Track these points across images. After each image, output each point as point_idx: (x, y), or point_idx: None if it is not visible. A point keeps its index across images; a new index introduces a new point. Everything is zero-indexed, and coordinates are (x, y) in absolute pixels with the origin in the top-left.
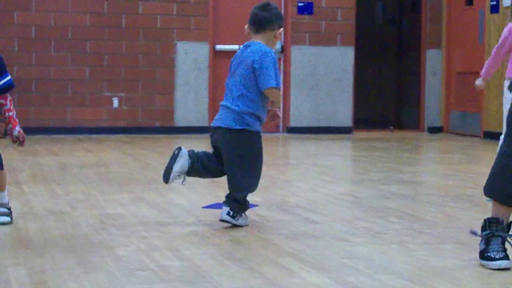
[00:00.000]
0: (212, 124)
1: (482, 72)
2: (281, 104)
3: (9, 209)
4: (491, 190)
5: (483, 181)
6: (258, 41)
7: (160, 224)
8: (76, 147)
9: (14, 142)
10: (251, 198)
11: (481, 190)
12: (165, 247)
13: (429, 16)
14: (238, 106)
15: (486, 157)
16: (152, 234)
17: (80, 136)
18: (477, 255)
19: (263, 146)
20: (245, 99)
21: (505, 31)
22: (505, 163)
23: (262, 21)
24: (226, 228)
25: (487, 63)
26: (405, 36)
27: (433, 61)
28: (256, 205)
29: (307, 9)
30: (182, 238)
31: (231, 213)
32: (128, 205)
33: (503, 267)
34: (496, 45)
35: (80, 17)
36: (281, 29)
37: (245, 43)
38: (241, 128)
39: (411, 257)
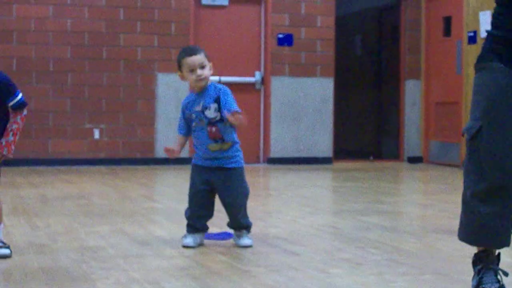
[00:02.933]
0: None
1: None
2: (261, 135)
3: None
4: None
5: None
6: None
7: (140, 256)
8: (57, 179)
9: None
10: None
11: None
12: (145, 280)
13: (408, 47)
14: None
15: None
16: (132, 266)
17: (61, 168)
18: (456, 286)
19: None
20: None
21: None
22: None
23: None
24: (206, 260)
25: None
26: (384, 67)
27: (412, 92)
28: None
29: (287, 41)
30: (162, 270)
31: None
32: (109, 237)
33: None
34: None
35: (61, 49)
36: (178, 73)
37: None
38: None
39: None
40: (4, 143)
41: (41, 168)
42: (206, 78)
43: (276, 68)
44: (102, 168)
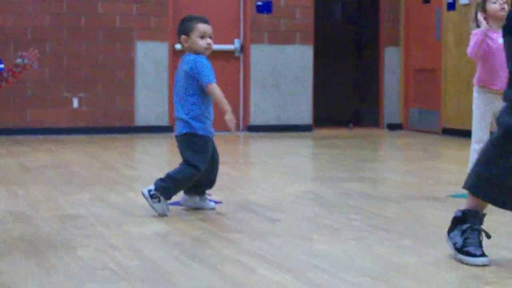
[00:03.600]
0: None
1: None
2: (240, 103)
3: None
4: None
5: (442, 177)
6: (186, 51)
7: (120, 224)
8: (36, 148)
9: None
10: (213, 196)
11: (441, 186)
12: (126, 247)
13: (387, 14)
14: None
15: (445, 154)
16: (113, 234)
17: (41, 137)
18: (436, 251)
19: (223, 145)
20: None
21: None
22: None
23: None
24: (187, 227)
25: (473, 41)
26: (364, 34)
27: (392, 59)
28: (220, 202)
29: (265, 8)
30: (143, 237)
31: (153, 193)
32: (89, 205)
33: (486, 263)
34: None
35: (39, 18)
36: (182, 37)
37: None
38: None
39: (372, 254)
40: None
41: (19, 137)
42: (212, 49)
43: (255, 36)
44: (82, 137)
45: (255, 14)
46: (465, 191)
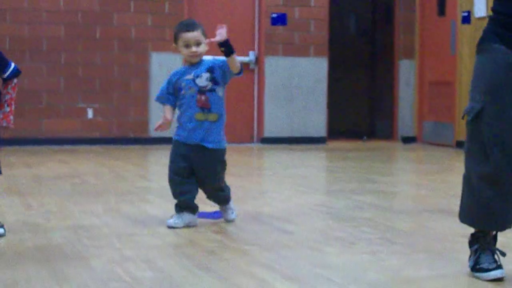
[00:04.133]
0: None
1: None
2: (254, 114)
3: None
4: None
5: (455, 190)
6: None
7: (134, 235)
8: (50, 158)
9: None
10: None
11: (454, 200)
12: (139, 258)
13: (402, 26)
14: None
15: (459, 167)
16: (126, 245)
17: (55, 147)
18: (449, 264)
19: (237, 156)
20: None
21: None
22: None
23: None
24: (200, 239)
25: None
26: (378, 46)
27: (406, 72)
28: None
29: (280, 20)
30: (156, 249)
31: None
32: (102, 216)
33: (499, 276)
34: None
35: (54, 28)
36: (173, 45)
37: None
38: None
39: (384, 266)
40: (1, 115)
41: (34, 147)
42: (200, 55)
43: (270, 48)
44: (96, 147)
45: (270, 26)
46: None
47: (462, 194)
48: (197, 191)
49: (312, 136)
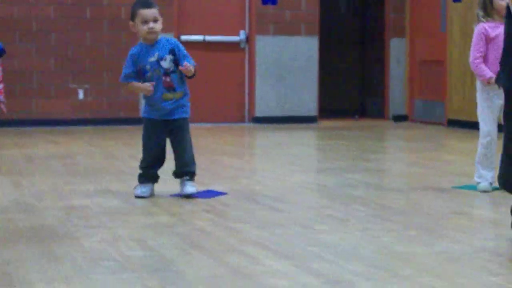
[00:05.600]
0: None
1: (485, 76)
2: (245, 94)
3: None
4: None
5: (446, 168)
6: None
7: (125, 214)
8: (41, 139)
9: None
10: (218, 187)
11: (445, 177)
12: (130, 237)
13: (392, 5)
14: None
15: (450, 145)
16: (117, 224)
17: (46, 128)
18: (441, 241)
19: (228, 136)
20: None
21: (475, 36)
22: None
23: None
24: (191, 217)
25: (480, 72)
26: (369, 25)
27: (397, 50)
28: (225, 193)
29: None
30: (147, 228)
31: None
32: (94, 196)
33: None
34: (471, 58)
35: (44, 9)
36: (130, 23)
37: None
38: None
39: (376, 243)
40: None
41: (25, 128)
42: (157, 32)
43: (260, 27)
44: (87, 128)
45: (260, 5)
46: (468, 183)
47: (501, 160)
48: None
49: (304, 115)
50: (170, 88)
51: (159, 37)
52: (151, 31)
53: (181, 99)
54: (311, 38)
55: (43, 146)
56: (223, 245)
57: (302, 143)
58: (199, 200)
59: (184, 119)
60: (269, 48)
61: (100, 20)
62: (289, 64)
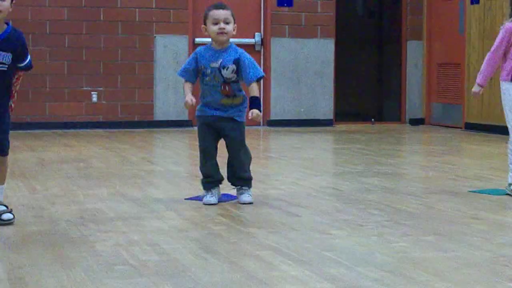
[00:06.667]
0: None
1: (480, 80)
2: (260, 97)
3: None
4: None
5: (464, 172)
6: None
7: (139, 218)
8: (55, 142)
9: None
10: (233, 191)
11: (462, 182)
12: (144, 242)
13: (410, 7)
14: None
15: (468, 149)
16: (131, 228)
17: (59, 131)
18: (457, 246)
19: (246, 140)
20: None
21: (502, 32)
22: None
23: None
24: (206, 222)
25: (484, 70)
26: (386, 27)
27: (414, 53)
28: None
29: (286, 1)
30: (161, 232)
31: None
32: (107, 200)
33: None
34: (492, 49)
35: (57, 11)
36: (202, 27)
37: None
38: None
39: (392, 248)
40: (12, 105)
41: (38, 131)
42: (228, 34)
43: (276, 29)
44: (101, 131)
45: (276, 7)
46: (485, 187)
47: None
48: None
49: (320, 119)
50: (230, 95)
51: (229, 43)
52: (220, 31)
53: (241, 105)
54: (327, 40)
55: (57, 149)
56: (238, 250)
57: (318, 147)
58: (214, 204)
59: (242, 123)
60: (285, 51)
61: (114, 23)
62: (304, 67)
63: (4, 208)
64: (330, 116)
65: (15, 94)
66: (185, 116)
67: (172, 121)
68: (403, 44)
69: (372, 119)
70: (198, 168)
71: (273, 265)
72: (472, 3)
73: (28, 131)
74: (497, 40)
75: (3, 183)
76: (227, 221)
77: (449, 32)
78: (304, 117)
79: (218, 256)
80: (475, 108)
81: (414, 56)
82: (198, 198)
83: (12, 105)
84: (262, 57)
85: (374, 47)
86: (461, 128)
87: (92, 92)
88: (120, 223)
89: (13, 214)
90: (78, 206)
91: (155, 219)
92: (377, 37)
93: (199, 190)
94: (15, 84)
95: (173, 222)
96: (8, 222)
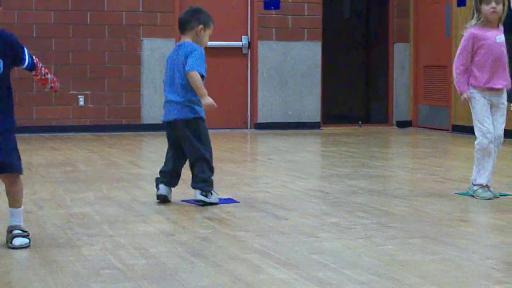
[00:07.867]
0: (166, 119)
1: (458, 89)
2: (248, 100)
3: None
4: None
5: (451, 174)
6: (187, 39)
7: (126, 222)
8: (42, 146)
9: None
10: (220, 194)
11: (449, 184)
12: (131, 245)
13: (397, 10)
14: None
15: (455, 151)
16: (118, 232)
17: (46, 135)
18: (445, 249)
19: (230, 142)
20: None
21: (465, 39)
22: None
23: (182, 23)
24: (192, 225)
25: (455, 80)
26: (373, 30)
27: (401, 55)
28: (237, 201)
29: (273, 4)
30: (148, 236)
31: (203, 193)
32: (94, 203)
33: None
34: (456, 57)
35: (44, 15)
36: (200, 26)
37: (177, 43)
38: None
39: (379, 251)
40: (51, 84)
41: (25, 135)
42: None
43: (263, 32)
44: (88, 134)
45: (263, 10)
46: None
47: None
48: None
49: (307, 122)
50: None
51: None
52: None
53: None
54: (314, 43)
55: (44, 153)
56: (225, 253)
57: (305, 150)
58: (201, 207)
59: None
60: (272, 54)
61: (101, 26)
62: (292, 69)
63: (19, 232)
64: (318, 118)
65: (48, 76)
66: None
67: (159, 124)
68: (389, 47)
69: (360, 122)
70: (208, 176)
71: (261, 269)
72: (458, 5)
73: (15, 134)
74: (460, 47)
75: (19, 206)
76: (215, 225)
77: (436, 34)
78: (291, 120)
79: (206, 260)
80: (462, 110)
81: (401, 58)
82: (190, 201)
83: (57, 84)
84: (249, 60)
85: (361, 50)
86: (448, 130)
87: (79, 96)
88: (107, 227)
89: (29, 239)
90: (65, 210)
91: (142, 223)
92: (364, 39)
93: (184, 194)
94: (39, 72)
95: (160, 225)
96: (20, 246)
